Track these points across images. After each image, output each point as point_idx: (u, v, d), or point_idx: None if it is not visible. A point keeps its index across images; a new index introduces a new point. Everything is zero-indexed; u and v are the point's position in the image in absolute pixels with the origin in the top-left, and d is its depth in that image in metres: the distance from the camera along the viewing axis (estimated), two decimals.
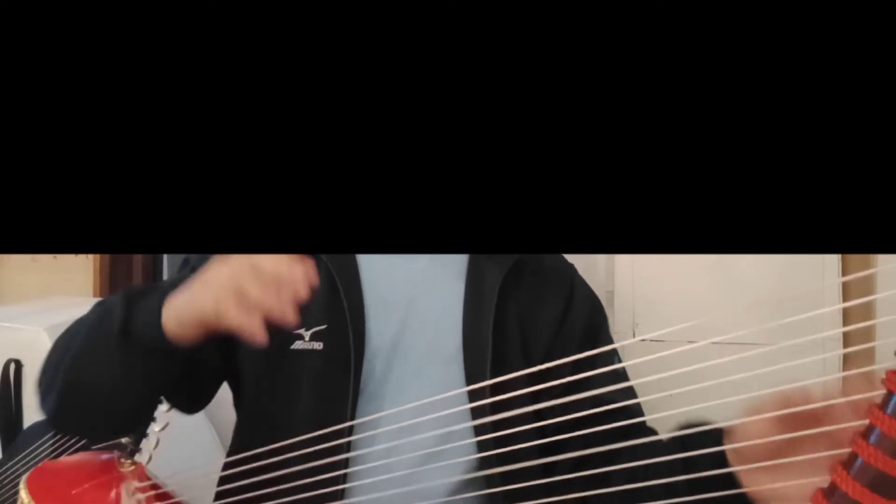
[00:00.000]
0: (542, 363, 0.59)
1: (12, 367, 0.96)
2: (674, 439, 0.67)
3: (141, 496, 0.66)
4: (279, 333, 0.65)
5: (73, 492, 0.65)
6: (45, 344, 0.97)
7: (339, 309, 0.72)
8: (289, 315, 0.57)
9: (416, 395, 0.63)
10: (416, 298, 0.75)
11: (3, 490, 0.78)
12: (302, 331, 0.72)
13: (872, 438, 0.43)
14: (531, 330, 0.77)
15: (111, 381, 0.63)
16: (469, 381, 0.71)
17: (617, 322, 1.31)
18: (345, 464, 0.67)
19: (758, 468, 0.56)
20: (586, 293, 0.82)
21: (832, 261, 1.22)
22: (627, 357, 1.29)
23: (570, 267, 0.84)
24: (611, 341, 0.81)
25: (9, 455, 0.79)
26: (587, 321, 0.80)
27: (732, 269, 1.25)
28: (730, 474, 0.57)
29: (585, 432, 0.60)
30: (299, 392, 0.71)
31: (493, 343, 0.72)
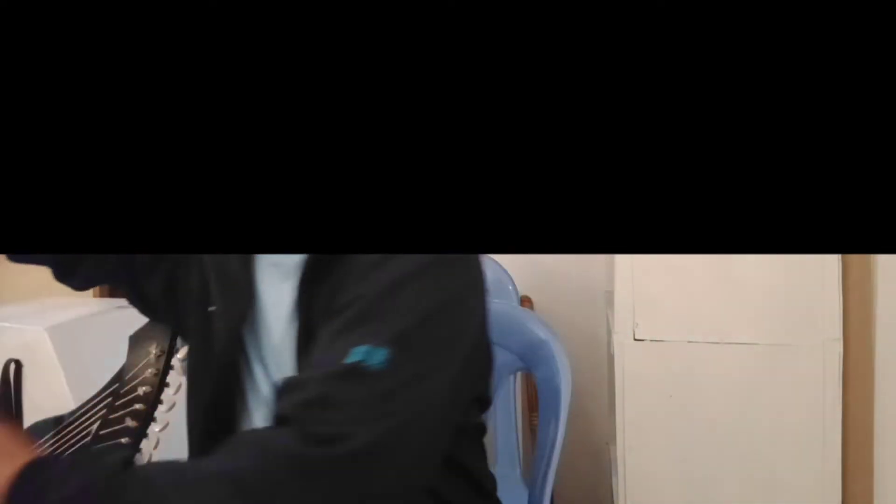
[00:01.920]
0: None
1: (12, 367, 0.96)
2: None
3: None
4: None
5: None
6: (45, 344, 0.97)
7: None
8: None
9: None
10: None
11: None
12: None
13: None
14: None
15: None
16: None
17: (617, 322, 1.31)
18: None
19: None
20: None
21: (832, 261, 1.22)
22: (628, 357, 1.29)
23: None
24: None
25: None
26: None
27: (732, 269, 1.25)
28: None
29: None
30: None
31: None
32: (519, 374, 1.51)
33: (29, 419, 0.84)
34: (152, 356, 0.76)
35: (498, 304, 1.35)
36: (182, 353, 0.77)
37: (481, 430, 0.80)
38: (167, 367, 0.75)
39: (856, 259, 1.21)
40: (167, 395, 0.75)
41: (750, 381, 1.25)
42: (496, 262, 1.67)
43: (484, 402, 0.78)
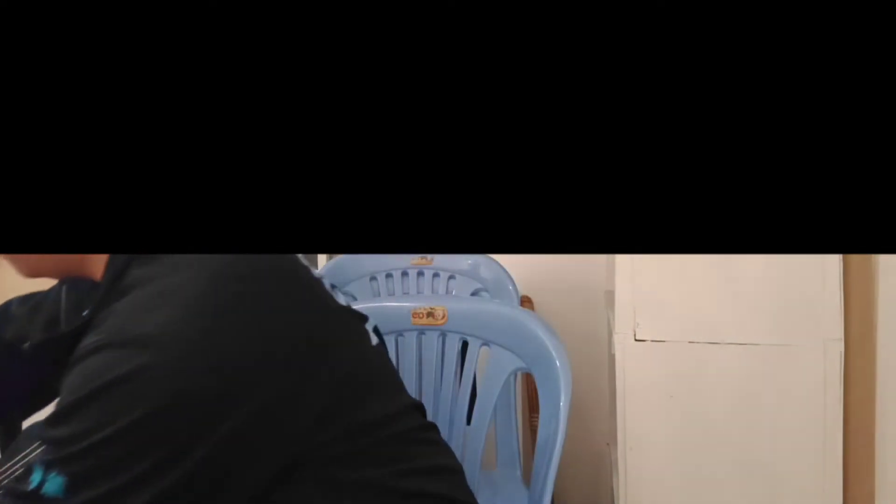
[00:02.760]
0: None
1: None
2: None
3: None
4: None
5: None
6: None
7: None
8: None
9: None
10: None
11: (3, 490, 0.78)
12: None
13: None
14: None
15: None
16: None
17: (617, 322, 1.31)
18: None
19: None
20: None
21: (833, 261, 1.22)
22: (628, 357, 1.29)
23: None
24: None
25: (8, 456, 0.79)
26: None
27: (733, 269, 1.25)
28: None
29: None
30: None
31: None
32: (519, 374, 1.51)
33: (28, 419, 0.84)
34: None
35: (498, 304, 1.35)
36: None
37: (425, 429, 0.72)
38: None
39: (856, 259, 1.21)
40: None
41: (751, 381, 1.25)
42: (496, 262, 1.67)
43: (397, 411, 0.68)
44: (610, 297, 1.50)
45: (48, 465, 0.54)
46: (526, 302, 1.88)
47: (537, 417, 1.13)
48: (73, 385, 0.55)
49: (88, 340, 0.56)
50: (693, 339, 1.27)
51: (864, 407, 1.19)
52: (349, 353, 0.65)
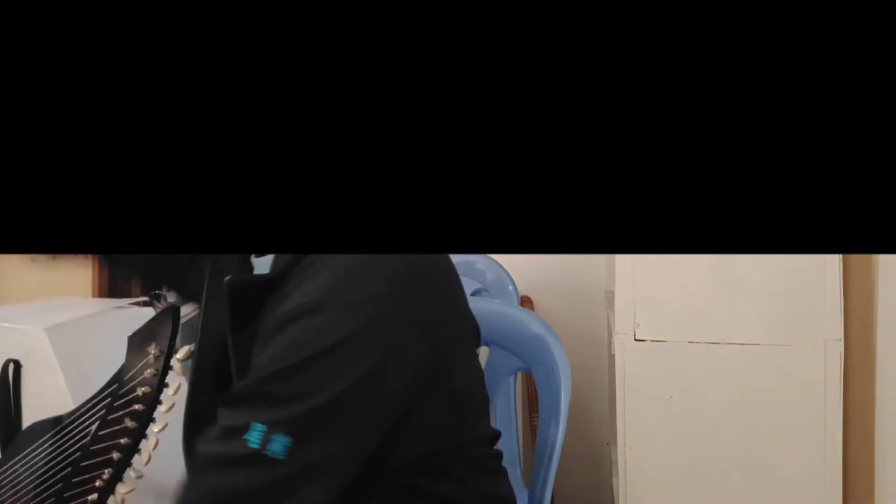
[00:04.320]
0: None
1: (11, 367, 0.95)
2: None
3: None
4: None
5: None
6: (43, 344, 0.97)
7: None
8: None
9: None
10: None
11: (3, 490, 0.78)
12: None
13: None
14: None
15: None
16: None
17: (617, 322, 1.31)
18: None
19: None
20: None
21: (833, 261, 1.22)
22: (628, 357, 1.29)
23: None
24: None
25: (8, 455, 0.79)
26: None
27: (733, 269, 1.25)
28: None
29: None
30: None
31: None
32: (519, 374, 1.51)
33: (28, 420, 0.84)
34: (151, 356, 0.76)
35: (498, 304, 1.35)
36: (182, 352, 0.77)
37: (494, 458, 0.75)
38: (166, 368, 0.75)
39: (856, 259, 1.21)
40: (166, 395, 0.75)
41: (751, 381, 1.25)
42: (496, 262, 1.67)
43: (489, 437, 0.73)
44: (610, 297, 1.50)
45: (273, 424, 0.54)
46: (526, 302, 1.88)
47: (537, 417, 1.13)
48: (293, 343, 0.56)
49: (300, 299, 0.58)
50: (693, 339, 1.27)
51: (864, 407, 1.19)
52: (475, 370, 0.69)
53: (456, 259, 0.74)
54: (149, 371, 0.75)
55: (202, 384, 0.72)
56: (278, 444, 0.54)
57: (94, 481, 0.72)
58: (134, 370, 0.76)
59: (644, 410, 1.29)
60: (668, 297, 1.28)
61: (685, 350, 1.27)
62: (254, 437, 0.54)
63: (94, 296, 1.93)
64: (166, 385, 0.75)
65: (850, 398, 1.22)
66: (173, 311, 0.78)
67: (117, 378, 0.77)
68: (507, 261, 1.67)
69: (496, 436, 0.75)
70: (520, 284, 1.71)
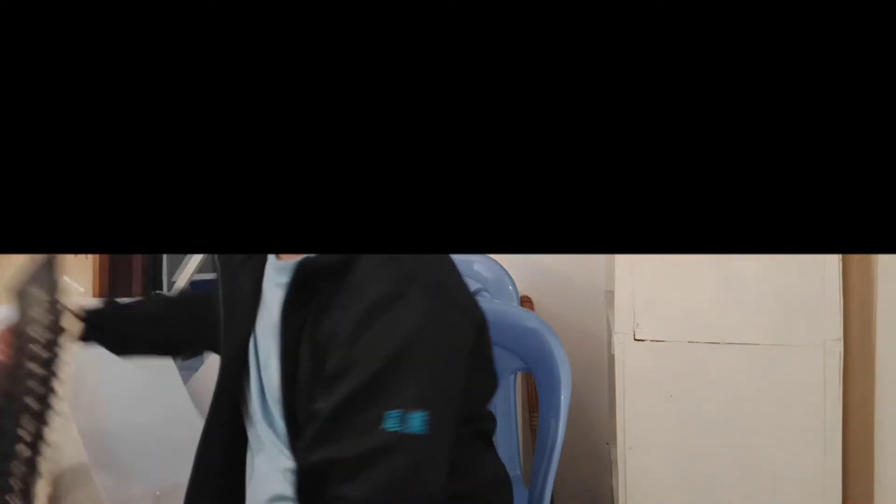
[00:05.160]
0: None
1: None
2: None
3: None
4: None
5: None
6: None
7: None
8: None
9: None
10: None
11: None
12: None
13: None
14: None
15: None
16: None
17: (617, 322, 1.31)
18: None
19: None
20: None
21: (832, 261, 1.22)
22: (628, 357, 1.29)
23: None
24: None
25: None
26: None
27: (733, 269, 1.25)
28: None
29: None
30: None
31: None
32: (519, 374, 1.51)
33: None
34: (44, 302, 0.77)
35: (498, 304, 1.35)
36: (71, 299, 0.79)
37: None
38: (59, 312, 0.76)
39: (856, 259, 1.21)
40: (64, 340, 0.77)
41: (750, 381, 1.25)
42: (496, 262, 1.66)
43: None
44: (610, 297, 1.50)
45: (403, 407, 0.61)
46: (526, 302, 1.88)
47: (537, 417, 1.13)
48: (386, 333, 0.63)
49: (383, 286, 0.64)
50: (693, 339, 1.27)
51: (864, 406, 1.19)
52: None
53: (456, 259, 0.75)
54: (41, 315, 0.76)
55: (232, 366, 0.76)
56: (416, 420, 0.61)
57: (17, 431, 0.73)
58: (27, 316, 0.76)
59: (644, 410, 1.29)
60: (668, 297, 1.28)
61: (685, 350, 1.27)
62: (391, 424, 0.61)
63: (94, 296, 1.92)
64: (62, 330, 0.75)
65: (849, 398, 1.22)
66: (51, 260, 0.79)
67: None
68: (507, 261, 1.67)
69: (494, 418, 0.82)
70: (520, 284, 1.71)
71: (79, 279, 1.95)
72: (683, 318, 1.27)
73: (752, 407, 1.25)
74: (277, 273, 0.74)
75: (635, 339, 1.29)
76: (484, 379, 0.75)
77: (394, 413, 0.61)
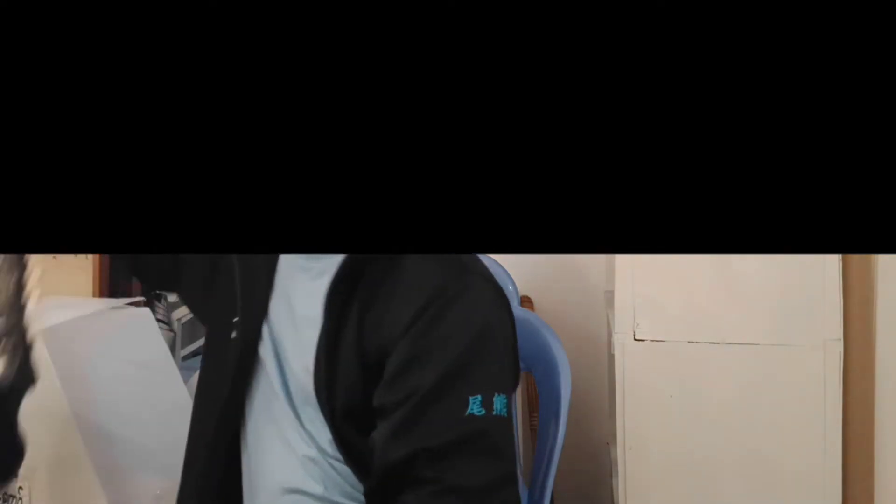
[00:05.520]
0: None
1: None
2: None
3: None
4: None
5: None
6: (39, 346, 0.97)
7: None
8: None
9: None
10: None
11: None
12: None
13: None
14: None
15: None
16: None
17: (617, 322, 1.31)
18: None
19: None
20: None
21: (832, 261, 1.22)
22: (628, 357, 1.29)
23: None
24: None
25: None
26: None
27: (733, 269, 1.25)
28: None
29: None
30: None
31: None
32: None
33: (24, 422, 0.84)
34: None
35: None
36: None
37: None
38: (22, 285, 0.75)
39: (856, 259, 1.21)
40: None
41: (750, 381, 1.25)
42: (496, 262, 1.66)
43: None
44: (610, 297, 1.50)
45: (484, 391, 0.64)
46: (526, 302, 1.88)
47: (537, 417, 1.13)
48: (456, 327, 0.66)
49: (441, 279, 0.68)
50: (693, 339, 1.27)
51: (863, 406, 1.19)
52: None
53: None
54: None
55: (247, 356, 0.76)
56: (498, 403, 0.65)
57: None
58: None
59: (644, 410, 1.29)
60: (668, 297, 1.28)
61: (685, 350, 1.27)
62: (475, 409, 0.64)
63: (94, 296, 1.92)
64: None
65: (849, 398, 1.22)
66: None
67: None
68: (507, 261, 1.67)
69: None
70: (520, 284, 1.71)
71: (79, 279, 1.96)
72: (683, 318, 1.27)
73: (751, 406, 1.25)
74: (306, 259, 0.74)
75: (635, 340, 1.29)
76: (515, 366, 0.78)
77: (478, 398, 0.64)
